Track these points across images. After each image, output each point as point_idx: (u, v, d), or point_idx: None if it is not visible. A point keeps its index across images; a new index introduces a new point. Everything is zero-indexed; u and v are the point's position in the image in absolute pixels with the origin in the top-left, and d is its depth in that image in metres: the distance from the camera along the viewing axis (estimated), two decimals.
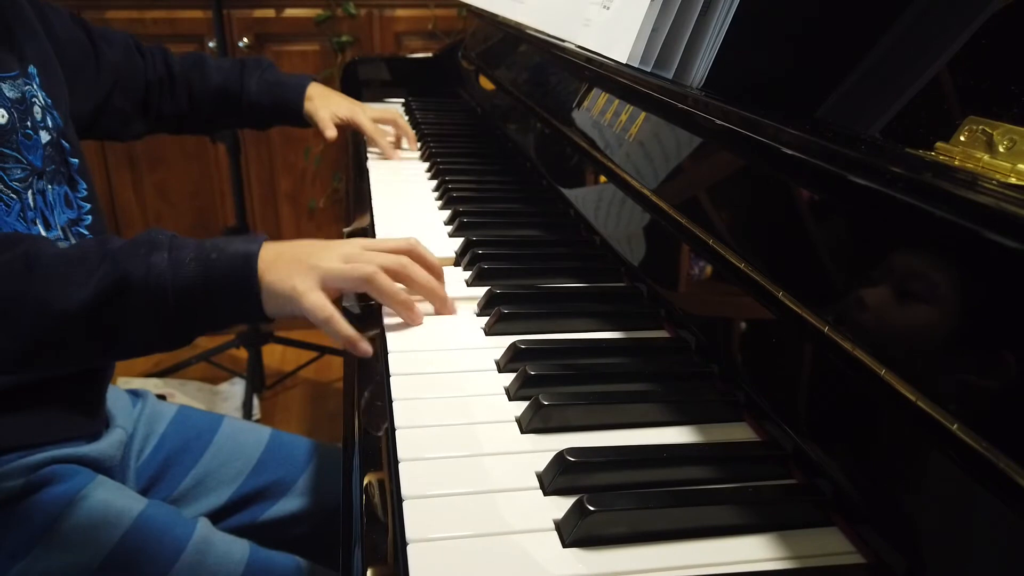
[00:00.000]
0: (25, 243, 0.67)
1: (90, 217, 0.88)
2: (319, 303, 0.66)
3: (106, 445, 0.85)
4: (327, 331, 0.67)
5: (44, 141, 0.82)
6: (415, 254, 0.72)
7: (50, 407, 0.81)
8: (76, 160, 0.88)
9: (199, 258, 0.66)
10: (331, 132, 1.22)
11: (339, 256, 0.69)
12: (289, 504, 0.97)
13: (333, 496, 0.98)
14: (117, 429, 0.89)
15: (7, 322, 0.64)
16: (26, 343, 0.65)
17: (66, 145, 0.87)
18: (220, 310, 0.67)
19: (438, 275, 0.73)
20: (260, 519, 0.95)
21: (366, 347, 0.67)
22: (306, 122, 1.24)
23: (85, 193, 0.89)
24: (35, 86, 0.84)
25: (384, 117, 1.30)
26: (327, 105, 1.24)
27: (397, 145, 1.31)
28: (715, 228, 0.62)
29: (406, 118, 1.52)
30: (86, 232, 0.87)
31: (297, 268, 0.67)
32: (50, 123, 0.84)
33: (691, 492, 0.48)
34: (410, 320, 0.70)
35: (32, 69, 0.85)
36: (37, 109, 0.82)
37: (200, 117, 1.21)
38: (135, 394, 0.99)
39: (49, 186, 0.82)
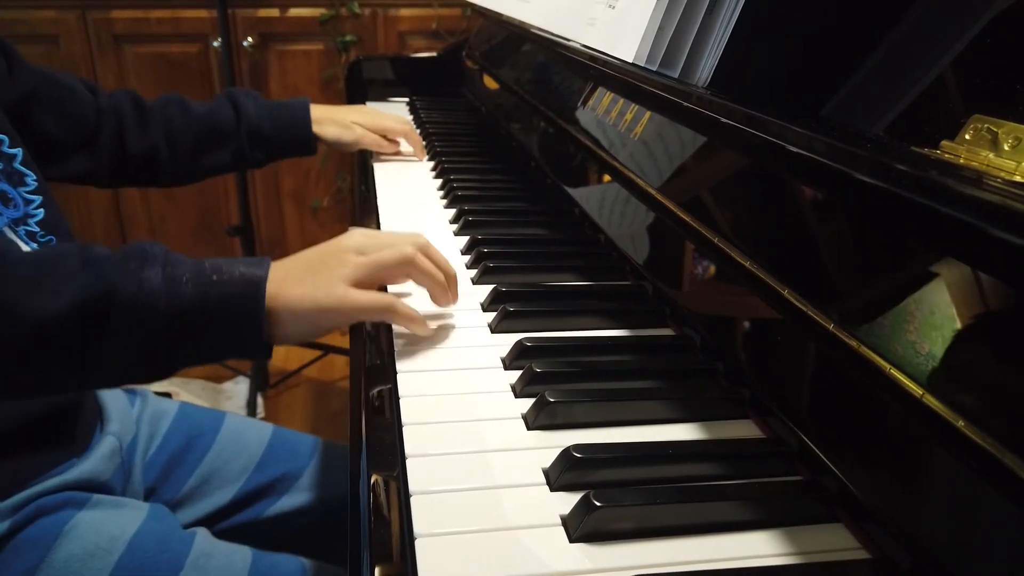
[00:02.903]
0: None
1: (42, 211, 0.78)
2: (371, 297, 0.62)
3: (96, 460, 0.80)
4: (393, 320, 0.63)
5: None
6: (423, 238, 0.69)
7: (24, 450, 0.75)
8: (18, 151, 0.78)
9: (197, 278, 0.58)
10: (390, 146, 1.19)
11: (354, 250, 0.65)
12: (293, 500, 0.96)
13: (336, 491, 0.98)
14: (108, 437, 0.83)
15: None
16: None
17: (1, 136, 0.77)
18: (216, 340, 0.60)
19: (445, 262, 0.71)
20: (264, 515, 0.95)
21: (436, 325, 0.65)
22: (312, 148, 1.15)
23: (34, 185, 0.78)
24: None
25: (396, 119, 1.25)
26: (343, 117, 1.17)
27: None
28: (720, 226, 0.62)
29: (410, 117, 1.53)
30: (37, 229, 0.77)
31: (320, 276, 0.62)
32: None
33: (697, 488, 0.48)
34: (443, 302, 0.67)
35: None
36: None
37: (180, 157, 1.07)
38: (132, 392, 0.95)
39: None
